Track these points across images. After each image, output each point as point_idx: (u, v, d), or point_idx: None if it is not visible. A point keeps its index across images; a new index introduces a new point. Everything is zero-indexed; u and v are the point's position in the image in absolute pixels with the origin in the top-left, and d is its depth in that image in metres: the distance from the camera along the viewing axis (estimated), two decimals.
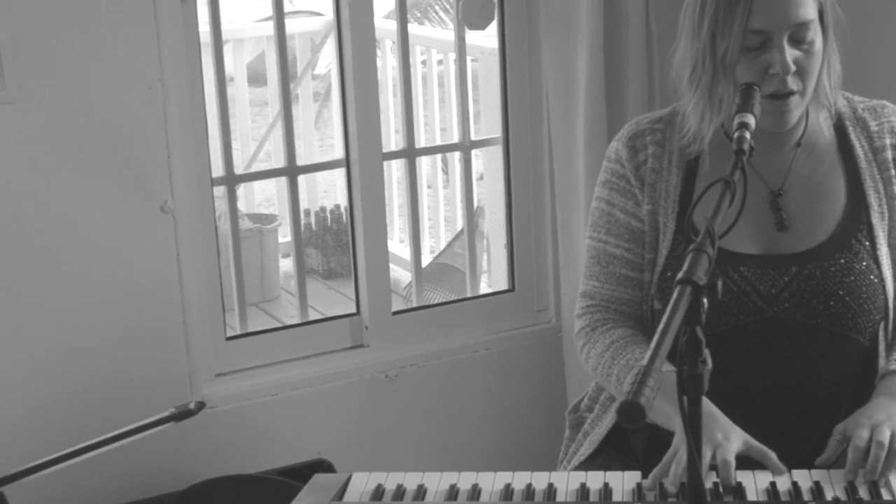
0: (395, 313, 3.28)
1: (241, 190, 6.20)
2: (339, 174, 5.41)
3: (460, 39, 3.39)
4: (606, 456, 2.25)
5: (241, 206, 6.13)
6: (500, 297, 3.44)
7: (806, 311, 2.09)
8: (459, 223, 5.73)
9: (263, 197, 6.82)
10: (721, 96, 2.08)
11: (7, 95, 2.70)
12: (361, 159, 3.15)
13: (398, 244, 5.74)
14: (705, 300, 1.49)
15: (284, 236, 6.00)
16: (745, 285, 2.11)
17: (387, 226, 3.25)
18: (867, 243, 2.12)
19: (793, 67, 2.03)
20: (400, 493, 1.92)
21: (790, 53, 2.03)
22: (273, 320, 5.57)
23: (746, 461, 1.95)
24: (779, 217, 2.14)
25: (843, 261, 2.10)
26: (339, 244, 6.09)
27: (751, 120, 1.92)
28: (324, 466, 2.97)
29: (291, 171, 3.22)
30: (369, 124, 3.15)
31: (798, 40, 2.04)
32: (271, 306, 5.81)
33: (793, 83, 2.04)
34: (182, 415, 2.07)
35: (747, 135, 1.87)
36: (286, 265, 6.13)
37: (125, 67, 2.80)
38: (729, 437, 1.94)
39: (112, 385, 2.91)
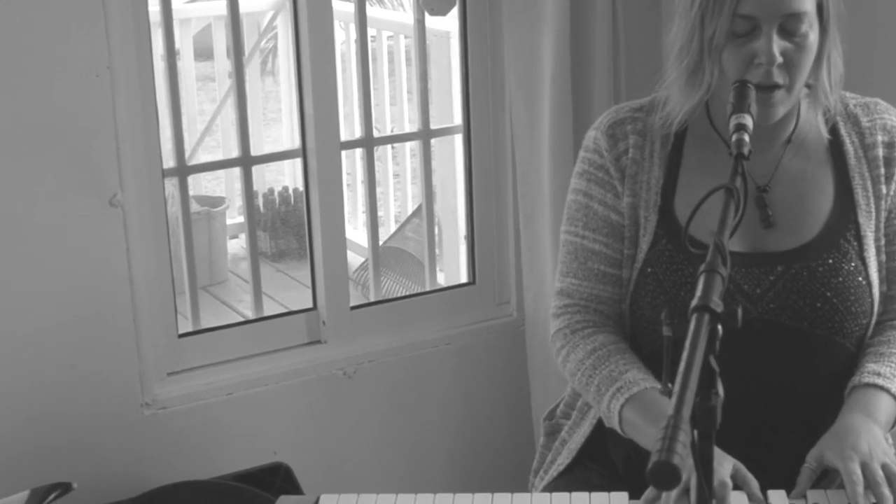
0: (353, 308, 3.17)
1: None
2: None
3: (419, 24, 3.27)
4: (585, 468, 2.17)
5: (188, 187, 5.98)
6: (460, 291, 3.34)
7: (791, 313, 2.01)
8: (410, 204, 5.64)
9: (211, 175, 6.67)
10: (702, 78, 2.00)
11: None
12: (318, 149, 3.04)
13: (349, 228, 5.62)
14: (720, 327, 1.38)
15: (232, 218, 5.88)
16: (728, 284, 2.02)
17: (344, 215, 3.13)
18: (855, 243, 2.05)
19: (779, 59, 1.93)
20: None
21: (778, 44, 1.93)
22: (221, 304, 5.46)
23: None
24: (764, 214, 2.06)
25: (830, 261, 2.02)
26: (289, 227, 5.97)
27: (748, 121, 1.81)
28: (282, 471, 2.86)
29: (245, 162, 3.10)
30: (327, 113, 3.03)
31: (790, 31, 1.95)
32: (220, 290, 5.71)
33: (778, 76, 1.94)
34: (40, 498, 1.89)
35: (746, 137, 1.77)
36: (233, 247, 6.01)
37: (71, 54, 2.66)
38: (721, 462, 1.86)
39: (60, 385, 2.79)
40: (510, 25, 3.04)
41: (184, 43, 6.02)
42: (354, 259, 5.37)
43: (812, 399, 2.05)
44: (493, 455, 3.30)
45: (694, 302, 1.39)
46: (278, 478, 2.83)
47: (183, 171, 3.03)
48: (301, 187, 5.44)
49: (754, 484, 1.86)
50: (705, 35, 1.96)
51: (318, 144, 3.04)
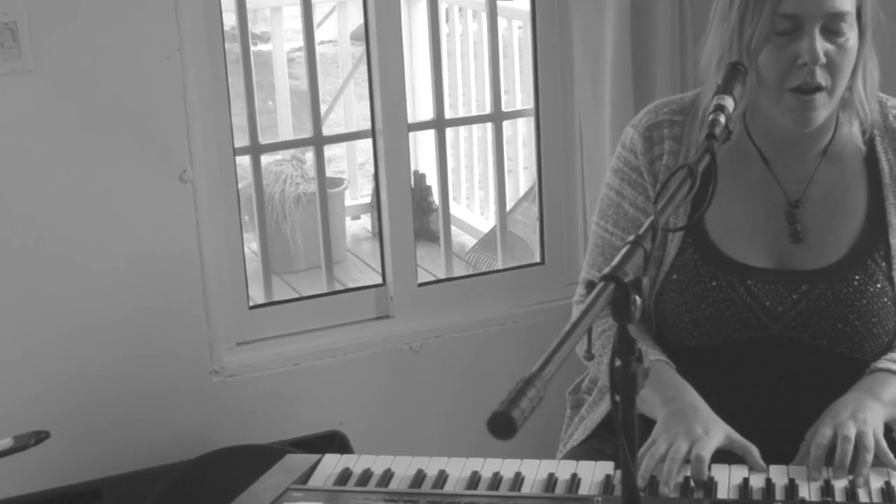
0: (420, 285, 3.25)
1: (309, 153, 6.20)
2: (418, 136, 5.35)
3: (491, 5, 3.32)
4: (601, 439, 2.19)
5: (308, 168, 6.14)
6: (529, 270, 3.38)
7: (812, 332, 2.01)
8: (522, 186, 5.68)
9: (330, 153, 6.78)
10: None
11: (23, 65, 2.70)
12: (386, 130, 3.12)
13: (465, 209, 5.72)
14: (637, 297, 1.41)
15: (354, 199, 6.04)
16: (750, 300, 2.02)
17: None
18: (883, 264, 2.02)
19: (822, 59, 1.90)
20: (365, 477, 1.90)
21: (821, 45, 1.91)
22: (335, 283, 5.58)
23: (729, 455, 1.90)
24: (793, 230, 2.05)
25: (856, 282, 2.00)
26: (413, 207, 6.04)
27: (729, 103, 1.78)
28: (337, 438, 2.95)
29: (317, 142, 3.20)
30: (394, 95, 3.10)
31: (832, 31, 1.92)
32: (336, 269, 5.81)
33: (821, 77, 1.91)
34: (19, 448, 2.02)
35: (722, 118, 1.75)
36: (354, 228, 6.14)
37: (141, 37, 2.79)
38: (709, 432, 1.88)
39: (131, 354, 2.93)
40: (577, 10, 3.07)
41: (340, 27, 6.17)
42: (469, 241, 5.47)
43: None
44: (557, 433, 3.32)
45: (606, 270, 1.42)
46: (333, 445, 2.92)
47: (256, 149, 3.14)
48: (421, 168, 5.58)
49: (755, 451, 1.88)
50: (744, 38, 1.94)
51: (386, 125, 3.12)
